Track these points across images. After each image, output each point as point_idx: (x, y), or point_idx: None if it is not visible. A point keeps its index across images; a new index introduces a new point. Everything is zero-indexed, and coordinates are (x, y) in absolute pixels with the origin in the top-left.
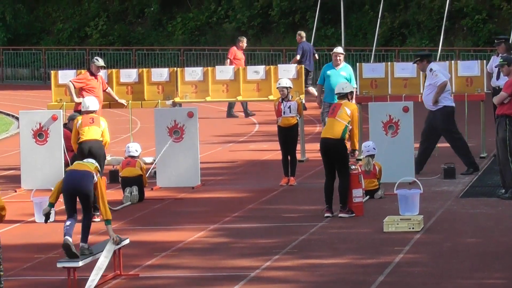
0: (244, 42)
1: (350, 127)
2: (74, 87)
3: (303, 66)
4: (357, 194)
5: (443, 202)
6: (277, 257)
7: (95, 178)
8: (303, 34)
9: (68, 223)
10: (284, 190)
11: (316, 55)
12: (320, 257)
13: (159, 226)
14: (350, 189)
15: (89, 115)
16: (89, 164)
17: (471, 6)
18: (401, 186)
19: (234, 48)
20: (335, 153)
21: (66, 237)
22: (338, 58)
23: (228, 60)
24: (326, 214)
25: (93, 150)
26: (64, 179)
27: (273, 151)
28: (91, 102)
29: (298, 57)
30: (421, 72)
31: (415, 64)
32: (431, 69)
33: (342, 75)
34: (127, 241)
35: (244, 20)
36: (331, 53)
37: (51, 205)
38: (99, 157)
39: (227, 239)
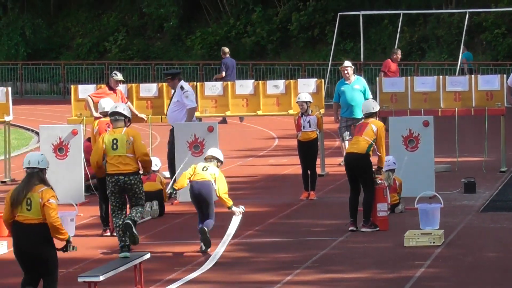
0: (399, 54)
1: (374, 147)
2: (93, 102)
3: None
4: (382, 208)
5: (463, 216)
6: (298, 271)
7: (214, 185)
8: (226, 50)
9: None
10: (304, 205)
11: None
12: (341, 271)
13: (179, 241)
14: (374, 203)
15: (105, 121)
16: (210, 174)
17: (491, 20)
18: (421, 200)
19: (389, 60)
20: (359, 167)
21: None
22: (346, 72)
23: (383, 73)
24: (351, 228)
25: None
26: (191, 189)
27: (293, 166)
28: (106, 103)
29: (223, 73)
30: (441, 87)
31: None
32: (182, 87)
33: (357, 88)
34: (147, 256)
35: (263, 35)
36: (339, 68)
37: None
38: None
39: (248, 254)
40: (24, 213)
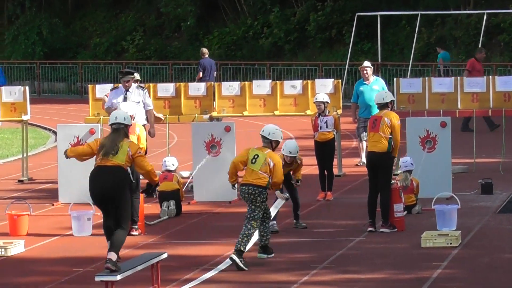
0: (483, 53)
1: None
2: None
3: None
4: (398, 209)
5: (480, 217)
6: (314, 271)
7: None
8: (205, 50)
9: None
10: (321, 205)
11: (215, 73)
12: (357, 272)
13: (196, 240)
14: (391, 204)
15: None
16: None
17: (508, 21)
18: (438, 201)
19: (474, 59)
20: (380, 166)
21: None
22: (365, 72)
23: (467, 72)
24: (369, 229)
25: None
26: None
27: (310, 166)
28: (125, 107)
29: (201, 74)
30: (458, 87)
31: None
32: (142, 87)
33: (375, 89)
34: (165, 255)
35: (281, 35)
36: (358, 68)
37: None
38: (133, 169)
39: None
40: (112, 158)
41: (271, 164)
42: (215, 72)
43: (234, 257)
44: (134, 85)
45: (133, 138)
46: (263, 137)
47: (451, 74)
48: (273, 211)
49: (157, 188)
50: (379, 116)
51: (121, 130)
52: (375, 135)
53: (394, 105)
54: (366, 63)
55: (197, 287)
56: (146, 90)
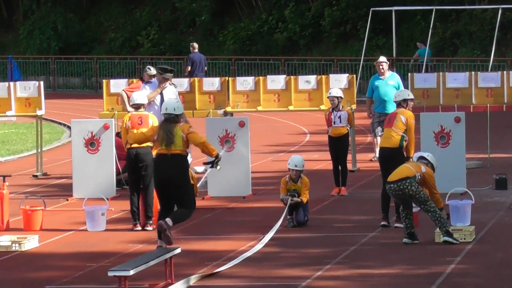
0: None
1: (406, 138)
2: (127, 96)
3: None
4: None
5: (494, 212)
6: (328, 267)
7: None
8: (195, 45)
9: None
10: (335, 200)
11: (206, 68)
12: (371, 267)
13: (210, 236)
14: None
15: (137, 114)
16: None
17: None
18: (452, 196)
19: None
20: (392, 161)
21: None
22: (381, 67)
23: None
24: (383, 223)
25: (140, 156)
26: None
27: (324, 161)
28: (138, 96)
29: (189, 68)
30: (473, 83)
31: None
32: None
33: (390, 84)
34: (178, 250)
35: (296, 30)
36: (374, 63)
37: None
38: (146, 164)
39: (278, 249)
40: (173, 148)
41: None
42: (205, 67)
43: (446, 238)
44: (168, 82)
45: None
46: None
47: (430, 70)
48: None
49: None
50: (395, 113)
51: (171, 119)
52: (389, 131)
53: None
54: (382, 58)
55: (210, 281)
56: (177, 87)
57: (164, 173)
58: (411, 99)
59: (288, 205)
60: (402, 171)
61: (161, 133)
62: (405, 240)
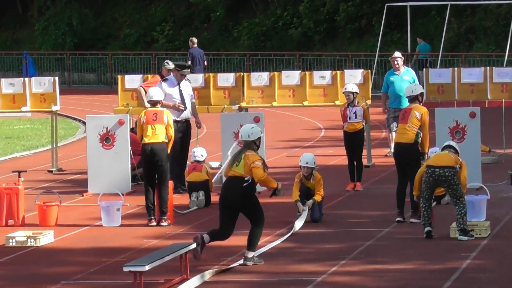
0: None
1: (421, 134)
2: (145, 92)
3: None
4: None
5: (510, 208)
6: (343, 262)
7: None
8: (194, 40)
9: None
10: (350, 196)
11: (205, 62)
12: (386, 262)
13: None
14: None
15: (152, 110)
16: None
17: None
18: (468, 192)
19: None
20: (407, 157)
21: None
22: (396, 62)
23: None
24: (398, 219)
25: (155, 152)
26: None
27: (339, 156)
28: (154, 92)
29: (189, 62)
30: (488, 78)
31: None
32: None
33: (406, 79)
34: (193, 246)
35: (310, 25)
36: (389, 58)
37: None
38: (161, 159)
39: (293, 244)
40: (234, 169)
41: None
42: (205, 62)
43: (463, 237)
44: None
45: (161, 127)
46: None
47: (429, 65)
48: (299, 222)
49: (186, 179)
50: (409, 109)
51: (246, 146)
52: (403, 126)
53: (424, 97)
54: (397, 53)
55: (225, 277)
56: (191, 82)
57: (224, 194)
58: (421, 94)
59: (305, 216)
60: (446, 159)
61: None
62: (427, 228)
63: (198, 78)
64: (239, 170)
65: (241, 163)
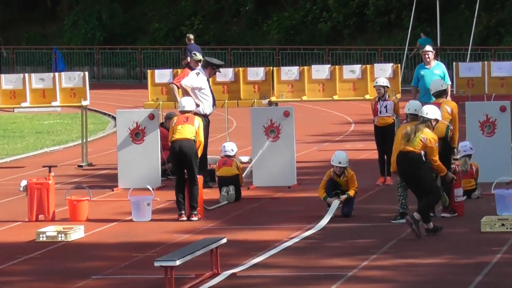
0: None
1: (452, 128)
2: (178, 88)
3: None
4: (458, 194)
5: None
6: (374, 256)
7: None
8: (191, 36)
9: None
10: (380, 190)
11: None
12: (417, 256)
13: (255, 225)
14: (451, 189)
15: (184, 115)
16: None
17: None
18: (498, 186)
19: None
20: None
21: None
22: (427, 56)
23: None
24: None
25: (184, 149)
26: None
27: (369, 151)
28: (186, 102)
29: (189, 58)
30: None
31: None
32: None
33: (436, 73)
34: (224, 241)
35: (340, 19)
36: (420, 52)
37: None
38: (190, 156)
39: (324, 239)
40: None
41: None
42: None
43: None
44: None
45: (190, 127)
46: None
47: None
48: (328, 214)
49: (216, 173)
50: (438, 103)
51: (423, 121)
52: None
53: (454, 90)
54: (428, 47)
55: (256, 271)
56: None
57: (402, 168)
58: (446, 90)
59: (335, 207)
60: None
61: (407, 129)
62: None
63: (228, 73)
64: (413, 147)
65: (416, 138)
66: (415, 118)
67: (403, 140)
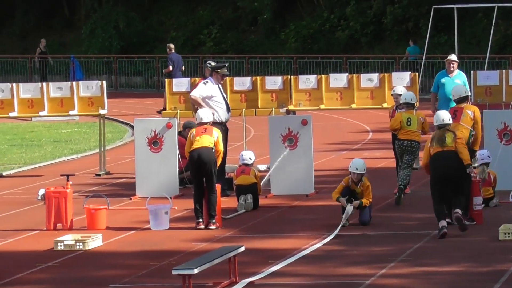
0: None
1: (474, 132)
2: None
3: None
4: (477, 202)
5: None
6: (392, 264)
7: None
8: (171, 46)
9: None
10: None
11: (183, 67)
12: (435, 265)
13: (273, 234)
14: (471, 197)
15: (202, 126)
16: None
17: None
18: None
19: None
20: None
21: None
22: (451, 65)
23: None
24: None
25: (202, 156)
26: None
27: (386, 159)
28: (204, 114)
29: (170, 67)
30: None
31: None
32: None
33: (457, 83)
34: (242, 249)
35: (357, 28)
36: (444, 60)
37: None
38: (209, 164)
39: (341, 247)
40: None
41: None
42: (182, 67)
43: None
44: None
45: (209, 137)
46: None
47: (418, 66)
48: (344, 218)
49: (234, 182)
50: (460, 108)
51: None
52: (456, 125)
53: (471, 98)
54: (453, 57)
55: (274, 280)
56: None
57: (445, 166)
58: (468, 96)
59: (349, 213)
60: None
61: (434, 136)
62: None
63: (245, 81)
64: (449, 146)
65: (448, 138)
66: (410, 107)
67: (436, 145)
